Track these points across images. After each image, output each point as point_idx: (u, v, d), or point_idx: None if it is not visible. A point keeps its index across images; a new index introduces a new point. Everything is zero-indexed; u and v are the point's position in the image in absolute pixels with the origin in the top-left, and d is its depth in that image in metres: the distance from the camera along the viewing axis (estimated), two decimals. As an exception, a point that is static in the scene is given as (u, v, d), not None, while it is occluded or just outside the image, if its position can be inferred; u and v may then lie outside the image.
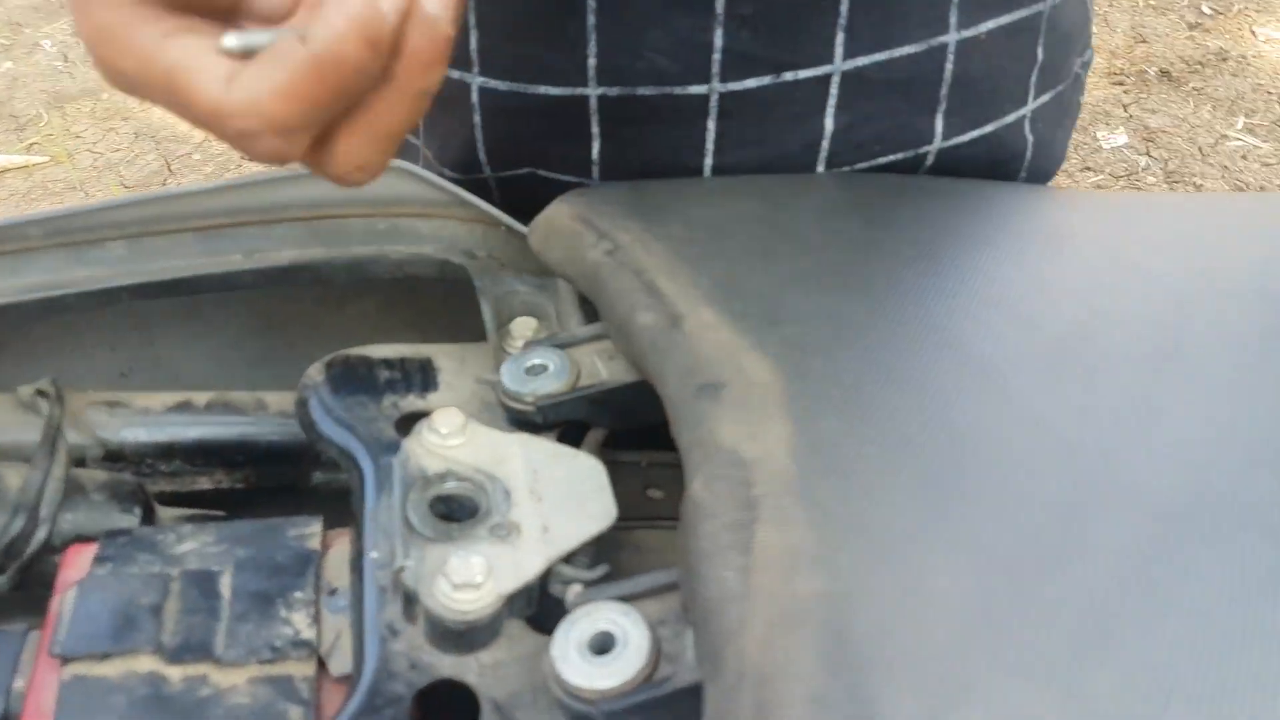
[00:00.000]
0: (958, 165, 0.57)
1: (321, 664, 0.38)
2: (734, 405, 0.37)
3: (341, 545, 0.42)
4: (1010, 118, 0.58)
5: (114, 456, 0.48)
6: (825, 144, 0.55)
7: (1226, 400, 0.40)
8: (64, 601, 0.39)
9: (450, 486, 0.40)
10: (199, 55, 0.32)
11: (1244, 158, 2.34)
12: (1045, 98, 0.60)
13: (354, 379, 0.47)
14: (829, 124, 0.54)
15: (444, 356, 0.49)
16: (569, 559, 0.37)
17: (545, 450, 0.41)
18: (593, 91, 0.53)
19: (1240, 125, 2.41)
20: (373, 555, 0.39)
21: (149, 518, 0.46)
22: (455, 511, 0.39)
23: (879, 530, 0.33)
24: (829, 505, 0.34)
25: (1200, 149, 2.36)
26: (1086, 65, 0.66)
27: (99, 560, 0.40)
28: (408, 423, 0.45)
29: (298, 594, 0.39)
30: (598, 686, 0.33)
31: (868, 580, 0.31)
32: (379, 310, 0.54)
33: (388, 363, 0.48)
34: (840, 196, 0.55)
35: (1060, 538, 0.34)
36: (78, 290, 0.48)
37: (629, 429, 0.46)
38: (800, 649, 0.29)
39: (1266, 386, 0.40)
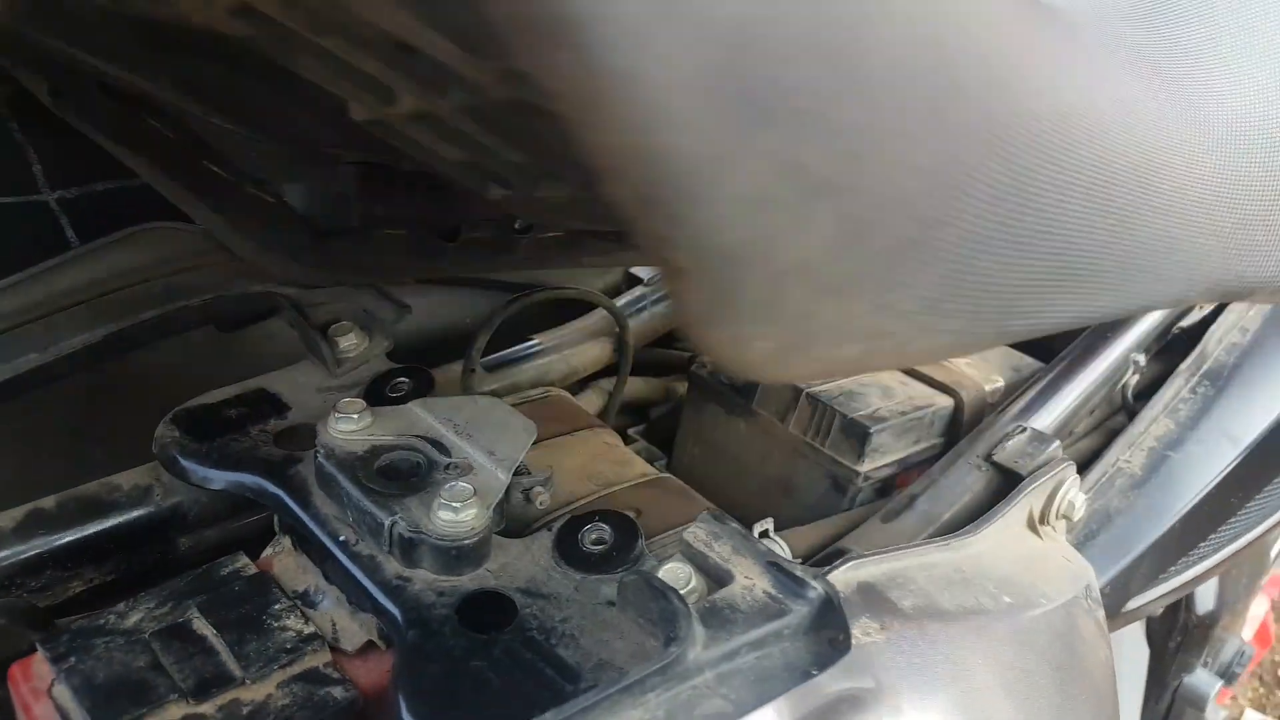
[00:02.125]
0: None
1: (333, 649, 0.40)
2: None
3: (281, 561, 0.44)
4: None
5: (-22, 590, 0.45)
6: None
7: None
8: (57, 700, 0.38)
9: (387, 457, 0.43)
10: None
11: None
12: None
13: (208, 424, 0.48)
14: None
15: (271, 382, 0.51)
16: (518, 472, 0.43)
17: (446, 404, 0.46)
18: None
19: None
20: (341, 539, 0.42)
21: (50, 629, 0.44)
22: (401, 475, 0.43)
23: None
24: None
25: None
26: None
27: (56, 660, 0.39)
28: (285, 439, 0.48)
29: (275, 605, 0.41)
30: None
31: None
32: (169, 368, 0.54)
33: (227, 402, 0.50)
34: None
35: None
36: None
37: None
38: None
39: None
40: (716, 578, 0.38)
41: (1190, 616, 0.89)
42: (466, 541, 0.39)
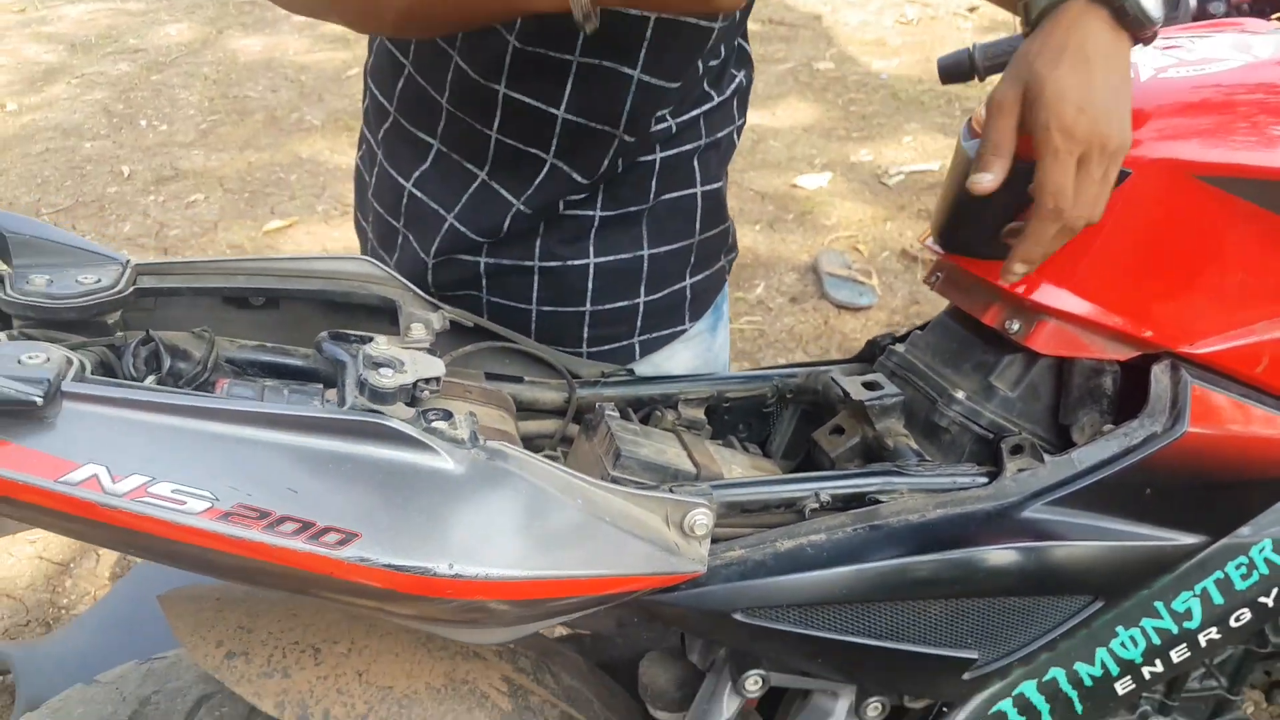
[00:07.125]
0: None
1: (324, 417, 0.98)
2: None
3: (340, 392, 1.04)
4: None
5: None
6: None
7: None
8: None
9: (380, 358, 1.01)
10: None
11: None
12: None
13: (341, 340, 1.09)
14: None
15: (378, 336, 1.12)
16: (427, 382, 0.99)
17: (416, 353, 1.04)
18: None
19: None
20: (351, 379, 1.00)
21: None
22: (381, 364, 1.00)
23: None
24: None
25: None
26: None
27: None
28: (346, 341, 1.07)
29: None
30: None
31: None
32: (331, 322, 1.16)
33: (358, 337, 1.10)
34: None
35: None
36: None
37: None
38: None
39: None
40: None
41: None
42: (379, 390, 0.96)
